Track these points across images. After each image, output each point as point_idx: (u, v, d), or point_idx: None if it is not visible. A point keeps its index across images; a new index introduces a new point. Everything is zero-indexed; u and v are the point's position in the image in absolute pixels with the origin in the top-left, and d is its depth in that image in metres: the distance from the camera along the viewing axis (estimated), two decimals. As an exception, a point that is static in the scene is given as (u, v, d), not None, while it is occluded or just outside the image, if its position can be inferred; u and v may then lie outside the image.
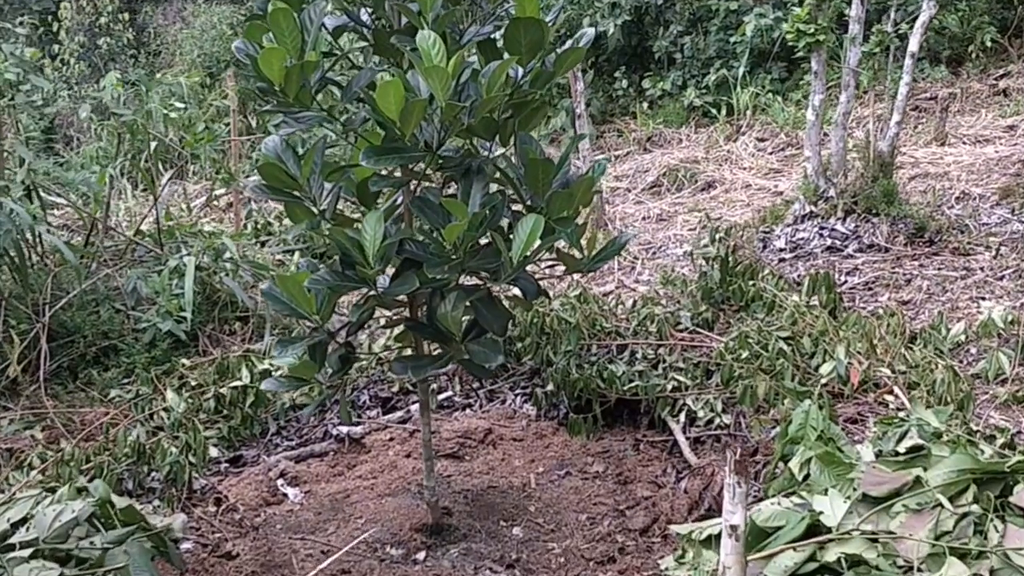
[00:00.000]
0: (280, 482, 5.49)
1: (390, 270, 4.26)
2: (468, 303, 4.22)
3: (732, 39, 13.20)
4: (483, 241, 4.20)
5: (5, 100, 7.04)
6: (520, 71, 4.15)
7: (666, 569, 4.05)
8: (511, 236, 4.01)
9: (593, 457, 5.47)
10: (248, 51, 4.12)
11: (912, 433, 4.23)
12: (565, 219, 4.23)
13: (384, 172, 4.30)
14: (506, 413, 6.07)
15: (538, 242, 3.96)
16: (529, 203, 4.28)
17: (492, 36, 4.29)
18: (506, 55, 4.06)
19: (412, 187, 4.38)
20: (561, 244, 4.53)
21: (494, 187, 4.35)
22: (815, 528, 3.79)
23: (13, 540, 4.16)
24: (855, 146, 8.32)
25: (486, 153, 4.37)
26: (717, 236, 6.27)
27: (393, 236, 4.11)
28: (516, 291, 4.72)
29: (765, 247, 7.96)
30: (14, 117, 7.37)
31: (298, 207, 4.29)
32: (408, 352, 4.84)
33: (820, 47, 7.81)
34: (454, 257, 4.01)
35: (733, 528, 3.18)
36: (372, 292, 4.19)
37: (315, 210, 4.24)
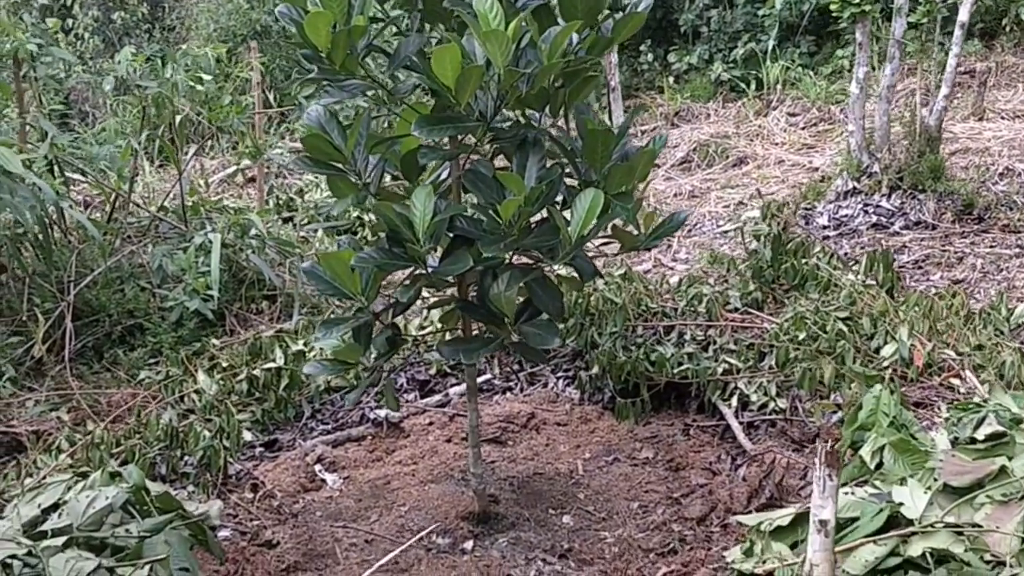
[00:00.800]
0: (318, 467, 5.30)
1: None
2: (523, 284, 4.01)
3: (760, 12, 12.95)
4: (534, 218, 3.99)
5: (26, 71, 6.83)
6: (575, 38, 3.93)
7: (732, 561, 3.86)
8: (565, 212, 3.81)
9: (641, 442, 5.27)
10: (292, 16, 3.90)
11: (990, 419, 4.02)
12: (624, 194, 4.01)
13: (430, 143, 4.09)
14: (548, 397, 5.87)
15: (596, 219, 3.75)
16: (585, 177, 4.06)
17: (548, 1, 4.06)
18: (561, 21, 3.84)
19: (460, 160, 4.17)
20: (616, 220, 4.31)
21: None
22: (893, 520, 3.60)
23: (45, 527, 3.98)
24: (898, 119, 8.09)
25: (537, 125, 4.16)
26: (769, 213, 6.04)
27: (443, 212, 3.90)
28: (562, 270, 4.52)
29: (807, 223, 7.74)
30: (36, 90, 7.17)
31: (342, 180, 4.09)
32: (452, 334, 4.65)
33: (865, 17, 7.57)
34: (510, 235, 3.80)
35: (823, 523, 2.98)
36: (421, 271, 3.98)
37: (360, 184, 4.03)
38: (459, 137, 4.05)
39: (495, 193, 3.86)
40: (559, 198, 4.05)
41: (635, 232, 4.29)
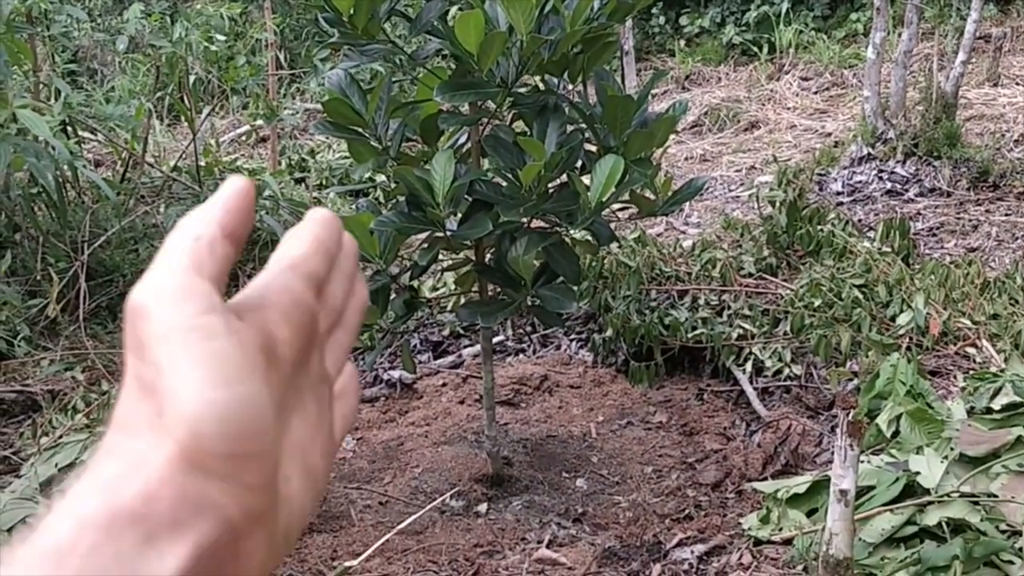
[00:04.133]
0: (331, 429, 5.31)
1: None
2: (540, 248, 4.01)
3: (774, -26, 12.86)
4: (552, 183, 3.99)
5: (40, 30, 6.81)
6: (597, 3, 3.91)
7: (749, 528, 3.88)
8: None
9: (655, 407, 5.29)
10: (313, -22, 3.88)
11: (1007, 389, 4.03)
12: (643, 160, 4.00)
13: (450, 109, 4.09)
14: (561, 359, 5.88)
15: (615, 186, 3.75)
16: (604, 143, 4.05)
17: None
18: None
19: (480, 125, 4.16)
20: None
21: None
22: (909, 489, 3.62)
23: (63, 486, 4.00)
24: (913, 85, 8.05)
25: (557, 90, 4.15)
26: (785, 179, 6.02)
27: (463, 177, 3.90)
28: (578, 234, 4.52)
29: (821, 189, 7.72)
30: (49, 48, 7.14)
31: (362, 145, 4.07)
32: (467, 297, 4.66)
33: (883, -18, 7.52)
34: (529, 199, 3.80)
35: (843, 493, 3.00)
36: (440, 235, 3.99)
37: (380, 148, 4.03)
38: (479, 103, 4.04)
39: (515, 158, 3.86)
40: (578, 164, 4.05)
41: (653, 197, 4.28)
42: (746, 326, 5.37)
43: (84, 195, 7.17)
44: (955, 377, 4.60)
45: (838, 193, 7.63)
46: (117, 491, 0.49)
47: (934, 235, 6.77)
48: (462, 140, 4.32)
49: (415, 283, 5.92)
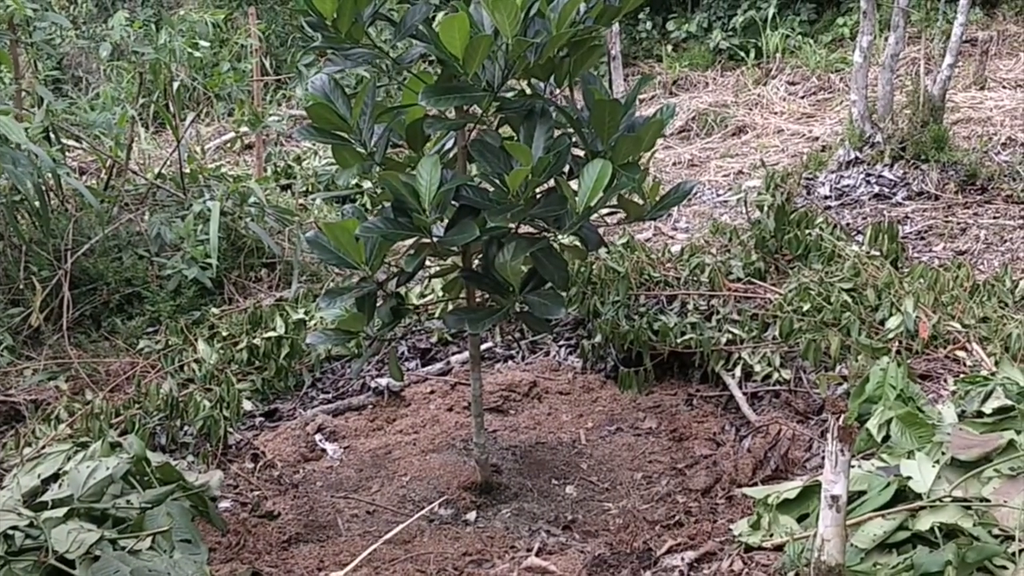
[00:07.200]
0: (318, 437, 5.27)
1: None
2: (528, 254, 3.98)
3: (760, -21, 12.85)
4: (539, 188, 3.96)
5: (22, 37, 6.75)
6: (583, 7, 3.88)
7: (740, 535, 3.84)
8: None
9: (644, 412, 5.25)
10: (297, -18, 3.85)
11: (998, 393, 4.00)
12: (631, 165, 3.98)
13: (435, 113, 4.06)
14: (550, 365, 5.85)
15: (603, 190, 3.72)
16: (592, 148, 4.03)
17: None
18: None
19: (466, 130, 4.13)
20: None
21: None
22: (901, 494, 3.58)
23: (46, 498, 3.95)
24: (900, 89, 8.04)
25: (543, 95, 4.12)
26: (772, 183, 6.00)
27: (450, 182, 3.86)
28: (566, 239, 4.50)
29: (809, 194, 7.70)
30: (32, 56, 7.09)
31: (346, 150, 4.04)
32: (455, 303, 4.63)
33: (870, -15, 7.51)
34: (517, 205, 3.77)
35: (834, 498, 2.97)
36: (427, 241, 3.95)
37: (365, 153, 3.99)
38: (465, 107, 4.01)
39: (502, 163, 3.83)
40: (566, 168, 4.02)
41: (641, 202, 4.26)
42: (735, 331, 5.35)
43: (67, 203, 7.11)
44: (945, 381, 4.57)
45: (826, 197, 7.61)
46: None
47: (922, 239, 6.75)
48: (448, 145, 4.29)
49: (402, 290, 5.90)
